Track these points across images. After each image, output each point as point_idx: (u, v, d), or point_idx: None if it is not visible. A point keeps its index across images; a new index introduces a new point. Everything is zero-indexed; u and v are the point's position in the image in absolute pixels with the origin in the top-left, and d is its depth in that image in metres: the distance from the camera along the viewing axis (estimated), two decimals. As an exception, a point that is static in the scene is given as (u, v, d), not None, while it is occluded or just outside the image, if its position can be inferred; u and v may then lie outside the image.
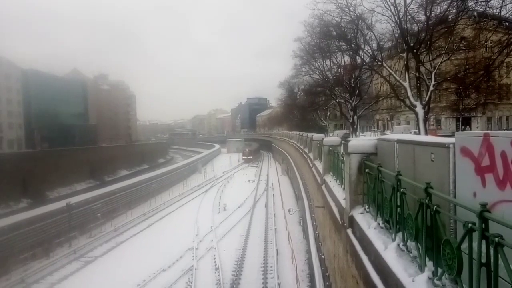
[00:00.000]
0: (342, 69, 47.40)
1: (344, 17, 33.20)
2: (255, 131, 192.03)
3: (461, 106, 47.19)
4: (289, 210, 32.15)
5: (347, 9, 31.46)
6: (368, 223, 7.36)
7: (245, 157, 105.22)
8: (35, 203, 45.55)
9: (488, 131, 3.99)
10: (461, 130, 42.21)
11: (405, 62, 28.28)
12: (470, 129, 49.26)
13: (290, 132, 68.72)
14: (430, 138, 5.94)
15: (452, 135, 5.08)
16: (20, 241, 27.04)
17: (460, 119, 51.83)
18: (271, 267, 25.07)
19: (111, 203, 40.84)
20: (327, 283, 14.23)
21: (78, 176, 64.98)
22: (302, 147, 39.08)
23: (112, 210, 40.65)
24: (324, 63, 49.27)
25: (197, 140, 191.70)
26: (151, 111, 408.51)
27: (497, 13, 21.60)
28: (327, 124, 70.31)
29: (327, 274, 14.65)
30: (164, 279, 23.60)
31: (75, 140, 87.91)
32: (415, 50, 27.62)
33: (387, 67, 31.18)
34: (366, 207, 8.24)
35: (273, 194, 50.25)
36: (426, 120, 27.83)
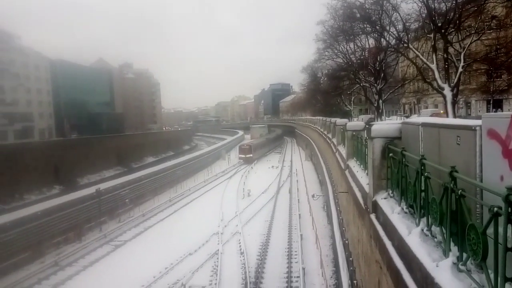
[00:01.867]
0: (366, 52, 46.37)
1: (368, -2, 32.37)
2: (278, 117, 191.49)
3: (492, 87, 45.36)
4: (313, 196, 32.12)
5: (371, -10, 30.62)
6: (392, 208, 7.28)
7: (243, 156, 72.88)
8: (66, 189, 47.30)
9: (517, 113, 3.84)
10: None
11: (433, 43, 27.38)
12: (502, 112, 47.36)
13: (314, 117, 68.14)
14: (455, 121, 5.78)
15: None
16: (53, 226, 28.18)
17: (491, 102, 49.89)
18: (296, 252, 25.24)
19: (138, 189, 41.90)
20: (351, 268, 14.23)
21: (107, 163, 66.86)
22: (325, 132, 38.73)
23: (140, 196, 41.72)
24: (347, 46, 48.37)
25: (221, 127, 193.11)
26: (175, 99, 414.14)
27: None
28: (351, 108, 69.32)
29: (351, 259, 14.64)
30: (191, 262, 24.17)
31: (102, 128, 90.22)
32: (443, 31, 26.69)
33: (413, 49, 30.27)
34: (390, 192, 8.14)
35: (297, 180, 50.24)
36: (454, 103, 27.02)
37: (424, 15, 28.79)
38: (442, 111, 45.22)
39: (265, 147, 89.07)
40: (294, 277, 21.53)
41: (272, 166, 65.69)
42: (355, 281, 13.14)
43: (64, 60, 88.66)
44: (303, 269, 21.63)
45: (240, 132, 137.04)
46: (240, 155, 74.22)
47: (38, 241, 26.50)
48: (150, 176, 46.28)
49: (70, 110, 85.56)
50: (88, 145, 65.72)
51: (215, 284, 20.86)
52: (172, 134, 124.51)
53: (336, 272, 20.20)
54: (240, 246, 26.64)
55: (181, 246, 26.78)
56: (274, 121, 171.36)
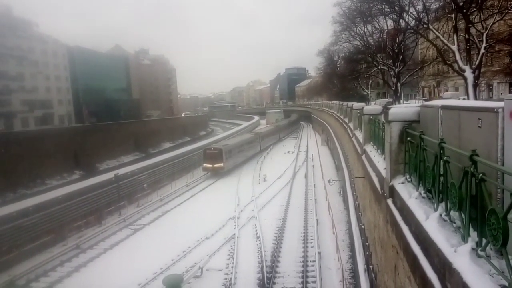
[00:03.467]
0: (384, 34, 45.35)
1: (387, -22, 31.50)
2: (294, 101, 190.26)
3: (515, 69, 43.88)
4: (329, 181, 31.98)
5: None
6: (409, 193, 7.18)
7: (209, 166, 47.87)
8: (86, 174, 48.33)
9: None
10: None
11: (454, 24, 26.55)
12: (526, 94, 45.86)
13: (330, 102, 67.39)
14: (477, 103, 5.60)
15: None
16: (74, 210, 28.91)
17: (515, 84, 48.39)
18: (311, 236, 25.31)
19: (156, 174, 42.47)
20: (367, 253, 14.20)
21: (125, 148, 67.88)
22: (342, 117, 38.31)
23: (157, 181, 42.31)
24: (365, 28, 47.36)
25: (236, 112, 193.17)
26: (191, 85, 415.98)
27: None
28: (369, 92, 68.33)
29: (367, 244, 14.60)
30: (208, 246, 24.53)
31: (120, 115, 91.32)
32: (464, 10, 25.81)
33: (434, 30, 29.41)
34: (407, 176, 8.03)
35: (313, 165, 50.07)
36: (476, 85, 26.31)
37: (445, -5, 27.85)
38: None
39: (248, 148, 59.77)
40: (310, 261, 21.64)
41: (288, 151, 65.57)
42: (371, 266, 13.12)
43: (81, 47, 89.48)
44: (319, 253, 21.72)
45: (256, 118, 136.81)
46: (204, 165, 47.72)
47: (60, 225, 27.25)
48: (167, 161, 46.80)
49: (88, 96, 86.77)
50: (106, 131, 66.73)
51: (232, 267, 21.15)
52: (189, 120, 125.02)
53: (352, 256, 20.21)
54: (256, 230, 26.87)
55: (198, 230, 27.17)
56: (289, 106, 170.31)
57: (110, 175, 35.67)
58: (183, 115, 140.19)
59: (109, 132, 66.95)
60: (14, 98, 66.90)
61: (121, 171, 37.62)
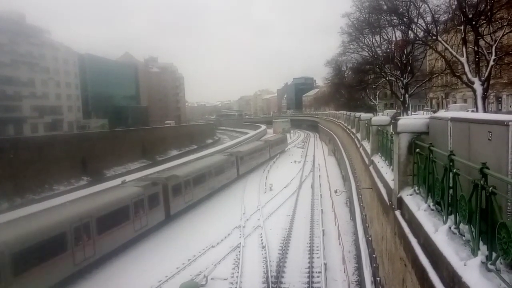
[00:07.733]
0: (393, 45, 45.41)
1: (395, -11, 31.67)
2: (301, 111, 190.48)
3: (525, 82, 43.57)
4: (335, 191, 31.83)
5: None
6: (418, 205, 7.14)
7: None
8: (94, 180, 48.63)
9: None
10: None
11: (463, 36, 26.58)
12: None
13: (337, 112, 67.39)
14: (487, 116, 5.58)
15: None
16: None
17: (524, 96, 48.03)
18: (317, 247, 25.12)
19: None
20: (374, 265, 14.06)
21: (132, 155, 68.26)
22: (349, 127, 38.27)
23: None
24: (373, 39, 47.45)
25: (244, 121, 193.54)
26: (199, 93, 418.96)
27: None
28: (376, 103, 68.22)
29: (374, 255, 14.46)
30: (213, 255, 24.44)
31: (128, 122, 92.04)
32: (474, 22, 25.83)
33: (442, 42, 29.45)
34: (416, 188, 7.99)
35: (319, 175, 49.89)
36: (485, 97, 26.19)
37: (454, 6, 27.95)
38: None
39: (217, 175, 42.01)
40: (316, 272, 21.45)
41: (295, 161, 65.42)
42: (378, 278, 12.99)
43: (91, 54, 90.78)
44: (325, 264, 21.52)
45: (263, 126, 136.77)
46: None
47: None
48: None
49: (97, 103, 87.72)
50: (114, 138, 67.29)
51: (237, 276, 21.04)
52: (196, 128, 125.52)
53: (359, 268, 20.02)
54: (261, 240, 26.74)
55: (203, 239, 27.10)
56: (296, 116, 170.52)
57: (117, 181, 35.77)
58: (170, 124, 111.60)
59: (117, 139, 67.48)
60: (25, 104, 67.86)
61: (128, 177, 37.72)
